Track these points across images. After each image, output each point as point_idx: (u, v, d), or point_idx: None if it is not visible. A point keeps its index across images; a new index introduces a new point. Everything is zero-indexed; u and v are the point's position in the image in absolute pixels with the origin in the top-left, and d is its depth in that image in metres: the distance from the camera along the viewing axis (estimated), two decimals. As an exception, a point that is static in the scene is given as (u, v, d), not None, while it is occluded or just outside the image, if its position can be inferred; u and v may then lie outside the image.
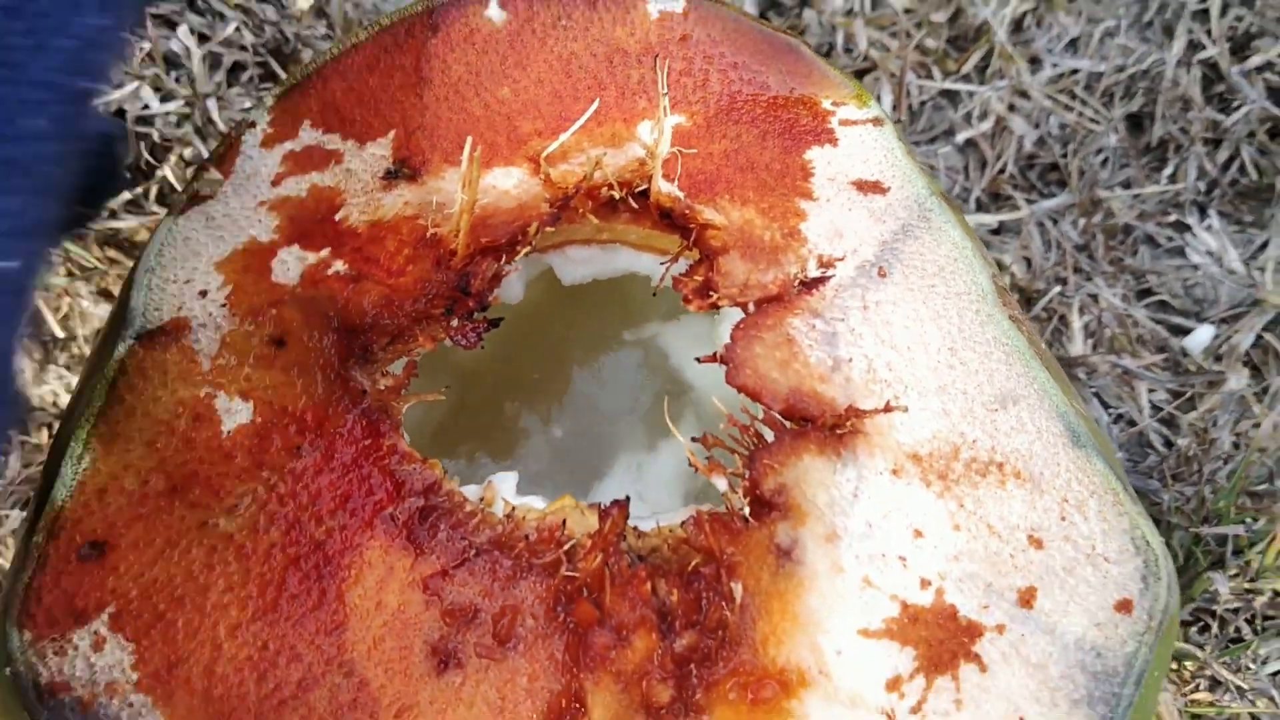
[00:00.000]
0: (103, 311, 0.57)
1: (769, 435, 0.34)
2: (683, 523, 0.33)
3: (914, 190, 0.40)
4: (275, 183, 0.40)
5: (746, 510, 0.33)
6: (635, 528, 0.33)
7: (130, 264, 0.57)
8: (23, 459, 0.57)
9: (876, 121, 0.42)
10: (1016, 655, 0.33)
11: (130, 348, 0.36)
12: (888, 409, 0.33)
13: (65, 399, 0.59)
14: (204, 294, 0.37)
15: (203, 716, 0.30)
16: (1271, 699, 0.56)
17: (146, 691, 0.31)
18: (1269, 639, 0.57)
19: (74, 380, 0.58)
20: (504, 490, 0.34)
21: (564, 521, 0.32)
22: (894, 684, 0.33)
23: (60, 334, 0.57)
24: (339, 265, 0.37)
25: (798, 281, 0.37)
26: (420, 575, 0.32)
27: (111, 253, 0.58)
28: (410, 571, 0.32)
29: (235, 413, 0.35)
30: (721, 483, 0.34)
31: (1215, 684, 0.56)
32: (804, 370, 0.35)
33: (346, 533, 0.32)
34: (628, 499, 0.32)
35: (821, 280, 0.37)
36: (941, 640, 0.33)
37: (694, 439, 0.35)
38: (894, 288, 0.37)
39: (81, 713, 0.32)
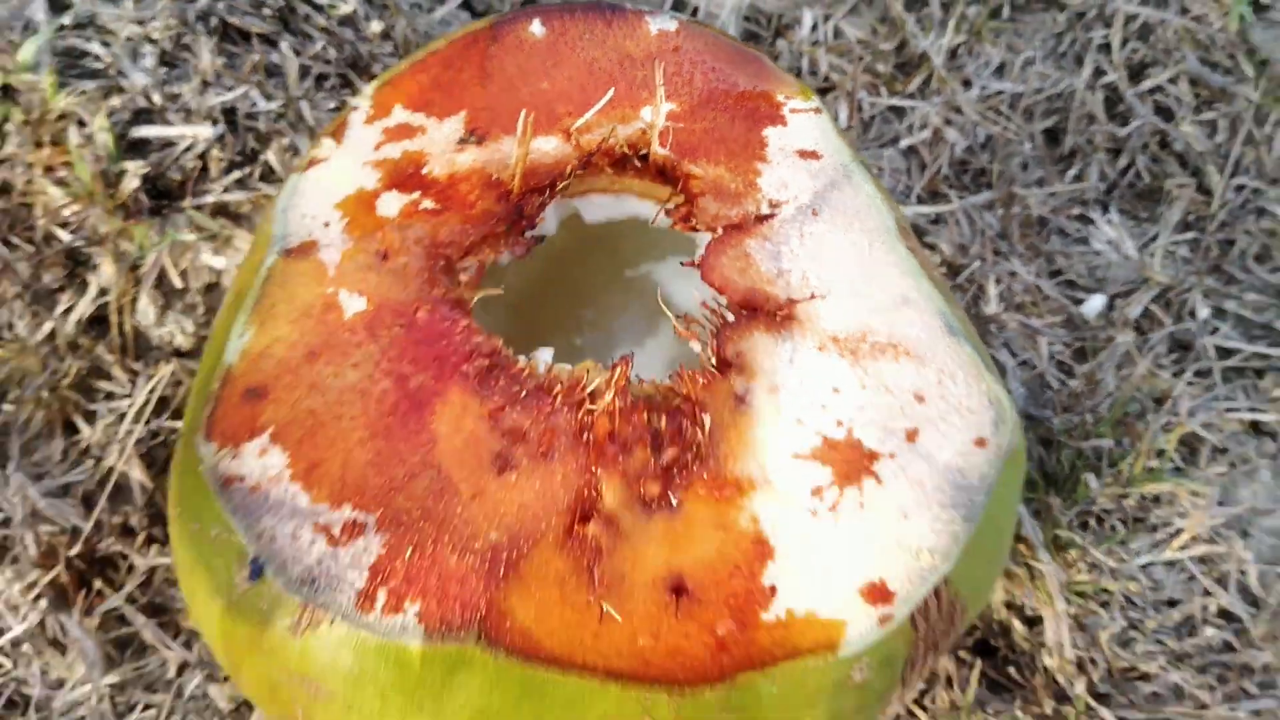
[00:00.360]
0: (217, 264, 0.67)
1: (730, 318, 0.46)
2: (669, 376, 0.46)
3: (841, 158, 0.51)
4: (376, 148, 0.51)
5: (714, 365, 0.45)
6: (638, 377, 0.45)
7: (237, 229, 0.69)
8: (148, 386, 0.68)
9: (816, 110, 0.53)
10: (903, 474, 0.44)
11: (275, 260, 0.47)
12: (811, 298, 0.46)
13: (180, 339, 0.68)
14: (327, 225, 0.48)
15: (337, 498, 0.42)
16: (1139, 581, 0.67)
17: (296, 480, 0.43)
18: (1138, 535, 0.68)
19: (187, 323, 0.68)
20: (543, 359, 0.46)
21: (586, 373, 0.45)
22: (817, 491, 0.43)
23: (179, 285, 0.68)
24: (427, 203, 0.48)
25: (754, 216, 0.48)
26: (486, 409, 0.44)
27: (222, 220, 0.69)
28: (479, 407, 0.44)
29: (353, 304, 0.46)
30: (696, 346, 0.46)
31: (1094, 567, 0.66)
32: (756, 275, 0.47)
33: (435, 382, 0.45)
34: (632, 354, 0.44)
35: (771, 216, 0.49)
36: (850, 462, 0.44)
37: (677, 317, 0.47)
38: (823, 224, 0.49)
39: (251, 495, 0.43)
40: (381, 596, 0.41)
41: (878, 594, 0.43)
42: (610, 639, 0.42)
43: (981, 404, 0.46)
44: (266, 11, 0.73)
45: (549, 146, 0.51)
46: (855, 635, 0.43)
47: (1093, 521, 0.68)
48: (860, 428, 0.45)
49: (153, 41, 0.72)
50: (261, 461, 0.43)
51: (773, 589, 0.43)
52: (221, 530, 0.43)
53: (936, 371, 0.46)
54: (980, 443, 0.45)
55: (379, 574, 0.41)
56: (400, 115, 0.52)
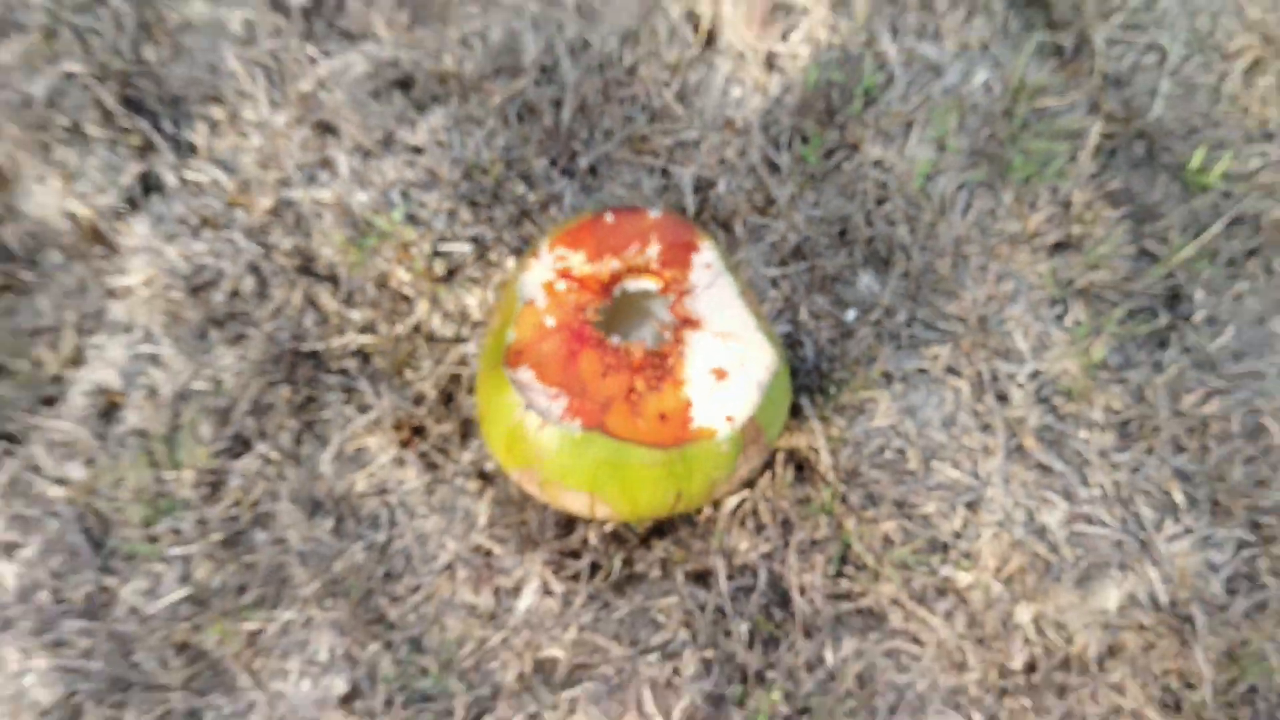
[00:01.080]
0: (469, 302, 1.25)
1: (678, 324, 1.08)
2: (657, 345, 1.14)
3: (720, 265, 1.00)
4: (552, 263, 1.07)
5: (673, 341, 1.14)
6: (647, 347, 1.16)
7: (475, 288, 1.30)
8: (437, 359, 1.33)
9: (713, 245, 1.19)
10: (739, 380, 0.93)
11: (521, 307, 0.99)
12: (707, 318, 1.17)
13: (449, 336, 1.29)
14: (537, 292, 1.20)
15: (551, 386, 1.11)
16: (859, 436, 1.36)
17: (539, 381, 1.07)
18: (859, 416, 1.14)
19: (452, 328, 1.30)
20: (616, 339, 1.12)
21: (631, 345, 1.14)
22: (709, 386, 0.99)
23: (451, 312, 1.29)
24: (574, 285, 1.04)
25: (687, 289, 1.06)
26: (598, 356, 1.00)
27: (470, 284, 1.12)
28: (596, 356, 1.03)
29: (550, 321, 0.94)
30: (667, 335, 1.02)
31: (840, 429, 1.13)
32: (688, 309, 1.01)
33: (580, 347, 1.11)
34: (644, 340, 1.13)
35: (693, 289, 1.03)
36: (720, 375, 0.91)
37: (661, 324, 1.16)
38: (712, 291, 1.04)
39: (524, 384, 1.14)
40: (568, 418, 0.91)
41: (730, 419, 0.92)
42: (642, 432, 0.90)
43: (766, 359, 1.03)
44: (486, 193, 1.31)
45: (615, 265, 1.10)
46: (721, 434, 0.90)
47: (839, 409, 1.15)
48: (723, 364, 0.94)
49: (446, 209, 1.19)
50: (526, 374, 1.01)
51: (692, 417, 0.92)
52: (512, 398, 1.01)
53: (752, 346, 1.06)
54: (767, 369, 1.04)
55: (565, 410, 0.94)
56: (560, 250, 1.13)
